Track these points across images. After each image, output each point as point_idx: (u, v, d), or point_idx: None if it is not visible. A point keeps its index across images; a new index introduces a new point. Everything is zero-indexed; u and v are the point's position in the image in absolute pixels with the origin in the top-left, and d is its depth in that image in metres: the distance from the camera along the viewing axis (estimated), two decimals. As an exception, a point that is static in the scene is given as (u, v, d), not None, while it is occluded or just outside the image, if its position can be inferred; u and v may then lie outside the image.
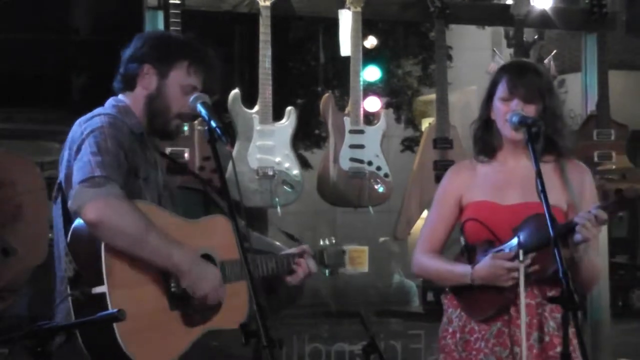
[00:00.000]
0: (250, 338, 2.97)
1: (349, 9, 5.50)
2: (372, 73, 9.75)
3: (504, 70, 3.71)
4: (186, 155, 5.03)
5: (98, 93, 3.68)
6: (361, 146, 5.47)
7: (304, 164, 5.50)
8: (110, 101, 3.49)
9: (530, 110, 3.58)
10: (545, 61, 6.10)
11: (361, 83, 5.54)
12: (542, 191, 3.31)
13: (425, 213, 5.49)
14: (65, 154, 3.35)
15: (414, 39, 13.87)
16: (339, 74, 11.71)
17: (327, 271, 3.92)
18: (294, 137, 5.38)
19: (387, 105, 13.01)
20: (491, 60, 5.93)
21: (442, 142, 5.56)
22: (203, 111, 3.31)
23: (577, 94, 6.30)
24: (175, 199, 3.61)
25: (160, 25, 5.17)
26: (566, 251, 3.42)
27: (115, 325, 3.06)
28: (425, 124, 13.85)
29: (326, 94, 5.67)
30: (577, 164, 3.75)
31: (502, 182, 3.68)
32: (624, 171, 5.73)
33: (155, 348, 3.20)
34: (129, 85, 3.48)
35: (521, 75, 3.63)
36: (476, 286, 3.56)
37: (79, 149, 3.26)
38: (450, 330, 3.69)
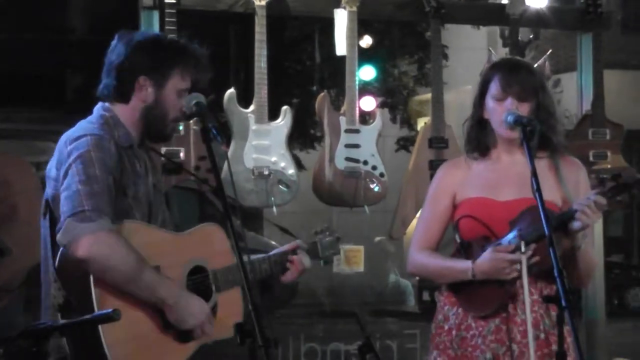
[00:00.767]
0: (246, 338, 2.96)
1: (344, 8, 5.49)
2: (367, 72, 9.77)
3: (495, 68, 3.69)
4: (182, 155, 5.03)
5: (94, 93, 3.67)
6: (357, 145, 5.47)
7: (298, 164, 5.50)
8: (99, 110, 3.41)
9: (525, 109, 3.58)
10: (541, 61, 6.09)
11: (357, 82, 5.54)
12: (537, 190, 3.31)
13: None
14: (53, 172, 3.30)
15: (409, 38, 13.88)
16: (334, 73, 11.70)
17: (322, 262, 3.90)
18: (289, 137, 5.38)
19: (382, 105, 13.01)
20: (486, 59, 5.92)
21: (438, 141, 5.56)
22: (199, 111, 3.30)
23: (573, 94, 6.31)
24: (169, 197, 3.60)
25: (156, 25, 5.17)
26: (567, 241, 3.43)
27: (107, 350, 3.04)
28: (421, 123, 13.86)
29: (322, 94, 5.67)
30: (571, 160, 3.75)
31: (496, 179, 3.68)
32: (619, 170, 5.73)
33: None
34: (123, 97, 3.40)
35: (514, 74, 3.62)
36: (476, 282, 3.55)
37: (66, 174, 3.21)
38: (446, 327, 3.68)
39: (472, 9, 6.08)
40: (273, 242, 11.59)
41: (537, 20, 5.99)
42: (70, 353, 3.13)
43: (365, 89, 8.38)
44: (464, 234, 3.65)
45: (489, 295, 3.57)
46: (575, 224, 3.41)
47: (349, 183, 5.45)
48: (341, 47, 5.61)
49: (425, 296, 14.17)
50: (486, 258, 3.52)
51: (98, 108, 3.43)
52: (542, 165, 3.61)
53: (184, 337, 3.27)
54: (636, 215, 16.86)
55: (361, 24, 5.61)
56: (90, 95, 3.54)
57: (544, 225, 3.27)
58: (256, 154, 5.24)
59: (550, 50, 6.09)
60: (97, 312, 2.99)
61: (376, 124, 5.60)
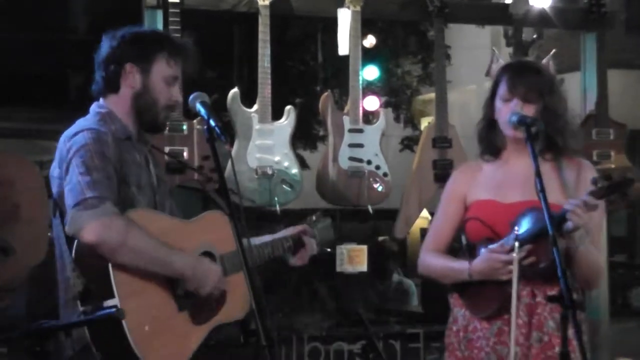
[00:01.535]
0: (250, 337, 2.97)
1: (348, 8, 5.50)
2: (371, 72, 9.75)
3: (504, 70, 3.73)
4: (185, 154, 5.04)
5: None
6: (360, 145, 5.47)
7: (301, 164, 5.49)
8: (94, 108, 3.50)
9: (530, 110, 3.58)
10: (544, 60, 6.09)
11: (360, 82, 5.54)
12: (541, 190, 3.31)
13: (424, 212, 5.50)
14: (56, 171, 3.37)
15: (413, 38, 13.85)
16: (338, 73, 11.69)
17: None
18: (292, 136, 5.38)
19: (386, 105, 12.99)
20: (490, 59, 5.92)
21: (441, 141, 5.56)
22: (202, 110, 3.31)
23: (576, 94, 6.30)
24: (172, 190, 3.64)
25: (160, 25, 5.17)
26: (562, 241, 3.42)
27: (128, 334, 3.09)
28: (425, 123, 13.85)
29: (325, 93, 5.67)
30: (576, 160, 3.74)
31: (503, 180, 3.70)
32: (623, 170, 5.73)
33: (168, 352, 3.25)
34: (112, 87, 3.49)
35: (520, 75, 3.64)
36: (478, 282, 3.57)
37: (67, 169, 3.28)
38: (455, 329, 3.72)
39: (476, 9, 6.08)
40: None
41: (540, 19, 5.99)
42: (91, 340, 3.16)
43: (369, 88, 8.37)
44: (470, 236, 3.68)
45: (489, 297, 3.59)
46: (567, 225, 3.40)
47: (353, 182, 5.45)
48: (344, 47, 5.61)
49: (429, 296, 14.17)
50: (481, 258, 3.55)
51: (93, 107, 3.52)
52: (548, 167, 3.61)
53: (200, 318, 3.34)
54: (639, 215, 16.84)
55: (364, 24, 5.61)
56: (92, 95, 3.56)
57: (547, 225, 3.27)
58: (259, 154, 5.24)
59: (553, 50, 6.09)
60: (102, 311, 3.00)
61: (380, 124, 5.60)
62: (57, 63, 14.91)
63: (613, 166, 5.74)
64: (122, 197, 3.30)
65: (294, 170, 5.30)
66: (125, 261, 3.17)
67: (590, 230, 3.53)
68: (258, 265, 3.64)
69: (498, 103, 3.67)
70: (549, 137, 3.60)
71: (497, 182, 3.70)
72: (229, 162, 4.34)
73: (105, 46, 3.49)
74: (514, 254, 3.44)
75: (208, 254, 3.42)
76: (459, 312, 3.71)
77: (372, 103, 6.40)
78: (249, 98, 5.40)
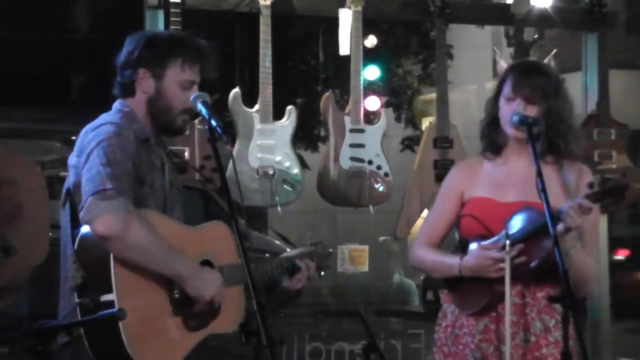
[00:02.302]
0: (251, 337, 2.98)
1: (349, 8, 5.50)
2: (372, 72, 9.74)
3: (511, 69, 3.74)
4: (186, 154, 5.04)
5: (97, 92, 3.69)
6: (361, 145, 5.47)
7: (302, 164, 5.49)
8: (117, 105, 3.52)
9: (533, 111, 3.58)
10: (546, 60, 6.08)
11: (361, 82, 5.54)
12: (543, 190, 3.31)
13: (425, 212, 5.50)
14: (74, 160, 3.38)
15: (414, 38, 13.87)
16: (339, 73, 11.71)
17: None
18: (294, 137, 5.38)
19: (387, 105, 13.01)
20: (491, 59, 5.92)
21: (443, 141, 5.56)
22: (203, 110, 3.31)
23: (578, 94, 6.29)
24: (182, 197, 3.64)
25: (161, 25, 5.17)
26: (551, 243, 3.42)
27: (122, 331, 3.10)
28: (426, 123, 13.85)
29: (326, 93, 5.66)
30: (577, 165, 3.72)
31: (502, 179, 3.70)
32: (624, 170, 5.72)
33: (159, 353, 3.25)
34: (128, 92, 3.51)
35: (526, 76, 3.64)
36: (467, 279, 3.58)
37: (87, 159, 3.29)
38: (443, 324, 3.73)
39: (477, 9, 6.08)
40: (277, 242, 11.61)
41: (541, 19, 5.98)
42: (84, 333, 3.17)
43: (370, 88, 8.36)
44: (464, 232, 3.69)
45: (477, 293, 3.60)
46: (559, 226, 3.38)
47: (354, 183, 5.45)
48: (346, 47, 5.62)
49: (430, 296, 14.16)
50: (472, 255, 3.56)
51: (116, 104, 3.53)
52: (549, 169, 3.61)
53: (193, 324, 3.34)
54: (640, 215, 16.84)
55: (366, 24, 5.61)
56: (94, 94, 3.56)
57: (546, 224, 3.27)
58: (261, 154, 5.25)
59: (555, 50, 6.09)
60: (102, 311, 3.01)
61: (381, 124, 5.60)
62: (58, 63, 14.93)
63: (614, 166, 5.74)
64: (135, 195, 3.30)
65: (295, 170, 5.30)
66: (130, 256, 3.18)
67: (582, 235, 3.52)
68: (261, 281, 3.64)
69: (502, 102, 3.67)
70: (550, 140, 3.60)
71: (496, 180, 3.70)
72: (230, 162, 4.34)
73: (124, 50, 3.51)
74: (505, 252, 3.44)
75: (207, 263, 3.41)
76: (448, 308, 3.73)
77: (373, 103, 6.39)
78: (250, 98, 5.40)
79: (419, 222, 5.52)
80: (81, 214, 3.21)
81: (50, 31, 14.69)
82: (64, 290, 3.40)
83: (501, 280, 3.49)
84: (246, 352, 3.10)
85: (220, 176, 3.30)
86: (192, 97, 3.39)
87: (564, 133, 3.64)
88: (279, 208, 5.29)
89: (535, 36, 10.68)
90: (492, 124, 3.74)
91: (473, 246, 3.59)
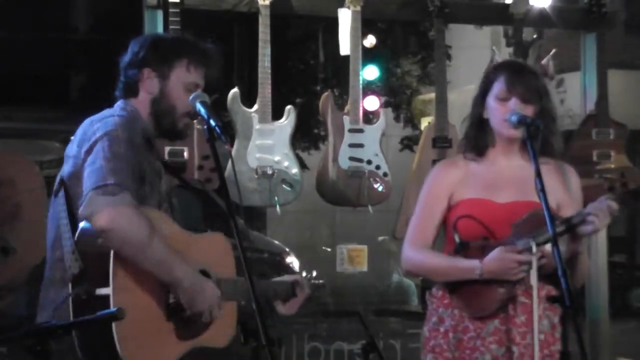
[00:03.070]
0: (250, 337, 2.97)
1: (348, 8, 5.50)
2: (371, 72, 9.77)
3: (500, 68, 3.69)
4: (185, 154, 5.03)
5: (97, 92, 3.68)
6: (360, 145, 5.47)
7: (301, 164, 5.49)
8: (120, 104, 3.48)
9: (528, 111, 3.57)
10: (544, 60, 6.09)
11: (360, 82, 5.54)
12: (542, 190, 3.31)
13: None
14: (74, 149, 3.33)
15: (413, 38, 13.89)
16: (338, 73, 11.73)
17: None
18: (292, 136, 5.38)
19: (386, 105, 13.03)
20: (490, 59, 5.92)
21: (442, 141, 5.55)
22: (202, 110, 3.31)
23: (576, 94, 6.30)
24: (172, 197, 3.62)
25: (160, 25, 5.17)
26: (573, 245, 3.43)
27: (114, 328, 3.06)
28: (425, 123, 13.87)
29: (325, 93, 5.66)
30: (563, 164, 3.74)
31: (494, 180, 3.66)
32: (622, 170, 5.73)
33: (147, 355, 3.21)
34: (132, 92, 3.47)
35: (519, 75, 3.62)
36: (475, 282, 3.53)
37: (90, 150, 3.25)
38: (442, 330, 3.65)
39: (476, 9, 6.07)
40: (276, 242, 11.62)
41: (540, 19, 5.98)
42: (75, 331, 3.13)
43: (369, 88, 8.38)
44: (463, 235, 3.61)
45: (489, 296, 3.55)
46: (586, 228, 3.41)
47: (353, 182, 5.45)
48: (345, 47, 5.61)
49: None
50: (494, 257, 3.49)
51: (118, 104, 3.49)
52: (544, 169, 3.60)
53: (182, 333, 3.29)
54: (639, 216, 16.84)
55: (365, 24, 5.61)
56: (94, 94, 3.55)
57: (548, 226, 3.27)
58: (259, 154, 5.24)
59: (554, 50, 6.10)
60: (102, 311, 2.99)
61: (380, 124, 5.60)
62: (58, 63, 14.93)
63: (613, 166, 5.74)
64: (136, 192, 3.26)
65: (294, 170, 5.30)
66: (129, 254, 3.15)
67: None
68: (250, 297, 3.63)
69: (492, 102, 3.63)
70: (544, 139, 3.60)
71: (488, 181, 3.66)
72: (229, 162, 4.34)
73: (129, 51, 3.49)
74: (532, 255, 3.41)
75: (204, 273, 3.35)
76: (445, 312, 3.65)
77: (372, 103, 6.42)
78: (249, 98, 5.40)
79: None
80: (81, 209, 3.17)
81: (50, 31, 14.69)
82: (52, 278, 3.34)
83: (513, 282, 3.47)
84: (245, 352, 3.11)
85: (219, 176, 3.29)
86: (191, 97, 3.38)
87: (555, 132, 3.65)
88: (277, 208, 5.29)
89: (534, 36, 10.71)
90: (477, 124, 3.70)
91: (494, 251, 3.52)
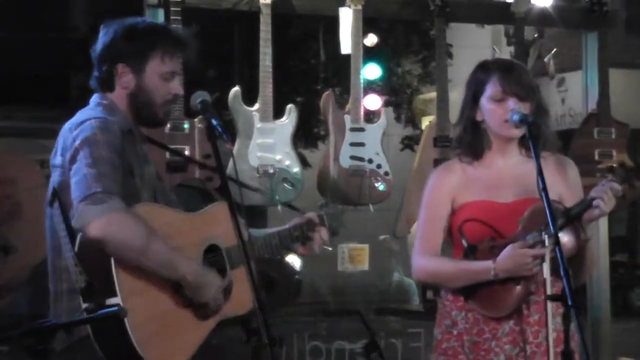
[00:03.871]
0: (251, 336, 2.97)
1: (349, 6, 5.49)
2: (372, 71, 9.74)
3: (489, 69, 3.64)
4: (187, 153, 5.03)
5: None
6: (361, 144, 5.46)
7: (302, 163, 5.48)
8: (95, 99, 3.45)
9: (526, 108, 3.56)
10: (545, 59, 6.10)
11: (361, 81, 5.54)
12: (544, 189, 3.30)
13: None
14: (58, 159, 3.32)
15: (414, 37, 13.88)
16: (339, 71, 11.70)
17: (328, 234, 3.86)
18: (294, 135, 5.38)
19: (386, 104, 13.01)
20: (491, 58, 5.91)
21: (443, 140, 5.55)
22: (203, 109, 3.30)
23: (578, 93, 6.30)
24: (167, 188, 3.62)
25: (161, 23, 5.17)
26: (583, 232, 3.42)
27: (130, 333, 3.07)
28: (426, 122, 13.86)
29: (326, 92, 5.66)
30: (559, 155, 3.74)
31: (494, 181, 3.65)
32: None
33: (172, 348, 3.23)
34: (107, 86, 3.44)
35: (512, 74, 3.59)
36: (490, 283, 3.50)
37: (73, 159, 3.23)
38: (455, 332, 3.63)
39: (477, 8, 6.07)
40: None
41: (541, 19, 5.98)
42: (93, 336, 3.13)
43: (370, 87, 8.36)
44: (470, 238, 3.60)
45: (507, 295, 3.53)
46: (594, 212, 3.42)
47: (354, 181, 5.44)
48: (346, 46, 5.61)
49: (430, 295, 14.15)
50: (507, 255, 3.47)
51: (94, 98, 3.46)
52: (543, 164, 3.59)
53: (203, 314, 3.31)
54: (641, 215, 16.84)
55: (366, 23, 5.60)
56: (93, 94, 3.54)
57: (550, 225, 3.26)
58: (261, 152, 5.24)
59: (555, 49, 6.10)
60: (104, 310, 2.99)
61: (381, 123, 5.60)
62: (58, 62, 14.92)
63: (615, 165, 5.73)
64: (127, 188, 3.25)
65: (295, 169, 5.30)
66: (130, 258, 3.14)
67: None
68: (267, 257, 3.62)
69: (487, 103, 3.60)
70: (542, 134, 3.58)
71: (488, 183, 3.65)
72: (231, 161, 4.34)
73: (100, 42, 3.44)
74: (545, 248, 3.38)
75: (213, 247, 3.39)
76: (459, 315, 3.63)
77: (373, 102, 6.39)
78: (250, 97, 5.40)
79: (419, 221, 5.51)
80: (73, 222, 3.15)
81: (50, 31, 14.68)
82: (60, 289, 3.35)
83: (528, 279, 3.47)
84: (246, 351, 3.10)
85: (220, 175, 3.28)
86: (192, 96, 3.38)
87: (549, 125, 3.65)
88: (279, 207, 5.29)
89: (535, 35, 10.70)
90: (471, 128, 3.67)
91: (506, 249, 3.49)
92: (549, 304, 3.40)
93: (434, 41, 6.10)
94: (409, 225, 5.61)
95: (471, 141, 3.67)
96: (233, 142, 5.06)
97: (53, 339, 2.70)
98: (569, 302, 3.16)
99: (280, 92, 5.49)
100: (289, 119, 5.34)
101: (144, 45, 3.41)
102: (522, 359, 3.54)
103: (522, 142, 3.64)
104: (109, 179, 3.17)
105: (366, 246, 5.97)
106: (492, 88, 3.59)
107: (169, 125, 4.93)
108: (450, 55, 11.34)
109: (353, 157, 5.44)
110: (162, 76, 3.42)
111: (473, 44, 14.55)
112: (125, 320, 3.04)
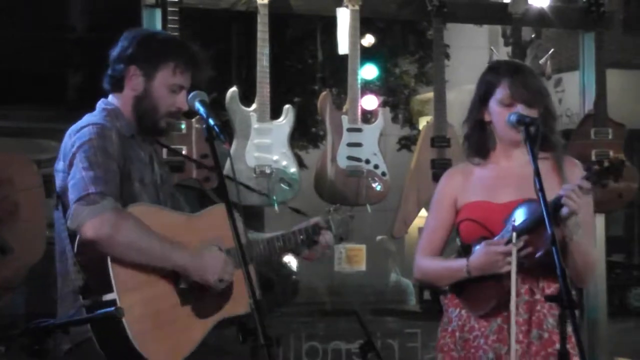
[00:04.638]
0: (248, 336, 2.98)
1: (346, 7, 5.49)
2: (369, 71, 9.77)
3: (500, 72, 3.68)
4: (184, 153, 5.02)
5: (94, 91, 3.69)
6: (359, 144, 5.46)
7: (299, 163, 5.48)
8: (100, 104, 3.53)
9: (534, 114, 3.58)
10: (542, 60, 6.09)
11: (359, 81, 5.53)
12: (541, 189, 3.31)
13: (422, 212, 5.49)
14: (60, 164, 3.40)
15: (411, 37, 13.89)
16: (336, 72, 11.71)
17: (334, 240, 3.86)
18: (291, 136, 5.38)
19: (384, 104, 13.03)
20: (488, 58, 5.92)
21: (440, 140, 5.55)
22: (201, 109, 3.31)
23: (575, 93, 6.30)
24: (173, 191, 3.65)
25: (158, 24, 5.16)
26: (557, 230, 3.42)
27: (127, 328, 3.12)
28: (423, 122, 13.87)
29: (324, 92, 5.65)
30: (570, 159, 3.76)
31: (495, 182, 3.69)
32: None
33: (170, 345, 3.27)
34: (117, 86, 3.53)
35: (522, 80, 3.62)
36: (475, 280, 3.56)
37: (71, 164, 3.31)
38: (450, 329, 3.70)
39: (474, 8, 6.07)
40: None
41: (539, 19, 5.98)
42: (94, 335, 3.19)
43: (367, 87, 8.38)
44: (465, 237, 3.67)
45: (486, 293, 3.58)
46: (563, 210, 3.40)
47: (351, 182, 5.44)
48: (343, 46, 5.60)
49: (426, 295, 14.17)
50: (479, 253, 3.54)
51: (100, 103, 3.54)
52: (544, 165, 3.60)
53: (202, 313, 3.35)
54: (637, 215, 16.87)
55: (363, 23, 5.60)
56: (91, 93, 3.58)
57: (546, 223, 3.26)
58: (258, 153, 5.24)
59: (552, 50, 6.09)
60: (101, 309, 3.01)
61: (378, 123, 5.59)
62: (55, 62, 14.93)
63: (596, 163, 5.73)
64: (126, 193, 3.32)
65: (293, 169, 5.30)
66: (125, 255, 3.20)
67: (581, 224, 3.52)
68: (269, 259, 3.66)
69: (496, 107, 3.64)
70: (546, 137, 3.60)
71: (488, 183, 3.69)
72: (228, 161, 4.34)
73: (119, 44, 3.53)
74: (512, 245, 3.43)
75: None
76: (454, 312, 3.69)
77: (370, 102, 6.42)
78: (247, 97, 5.39)
79: (417, 221, 5.52)
80: (68, 222, 3.24)
81: (47, 30, 14.69)
82: (63, 292, 3.41)
83: (509, 276, 3.48)
84: (243, 351, 3.10)
85: (217, 175, 3.29)
86: (189, 96, 3.39)
87: (555, 129, 3.68)
88: (276, 207, 5.29)
89: (533, 35, 10.67)
90: (478, 127, 3.72)
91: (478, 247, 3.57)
92: (513, 301, 3.42)
93: (431, 41, 6.10)
94: (406, 226, 5.62)
95: (478, 141, 3.73)
96: (230, 142, 5.09)
97: (53, 339, 2.71)
98: (567, 302, 3.17)
99: (277, 93, 5.49)
100: (286, 120, 5.34)
101: (159, 52, 3.50)
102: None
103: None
104: (103, 181, 3.25)
105: (363, 246, 5.96)
106: (502, 92, 3.63)
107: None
108: (447, 56, 11.34)
109: (350, 158, 5.44)
110: (170, 87, 3.49)
111: (470, 44, 14.57)
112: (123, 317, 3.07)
